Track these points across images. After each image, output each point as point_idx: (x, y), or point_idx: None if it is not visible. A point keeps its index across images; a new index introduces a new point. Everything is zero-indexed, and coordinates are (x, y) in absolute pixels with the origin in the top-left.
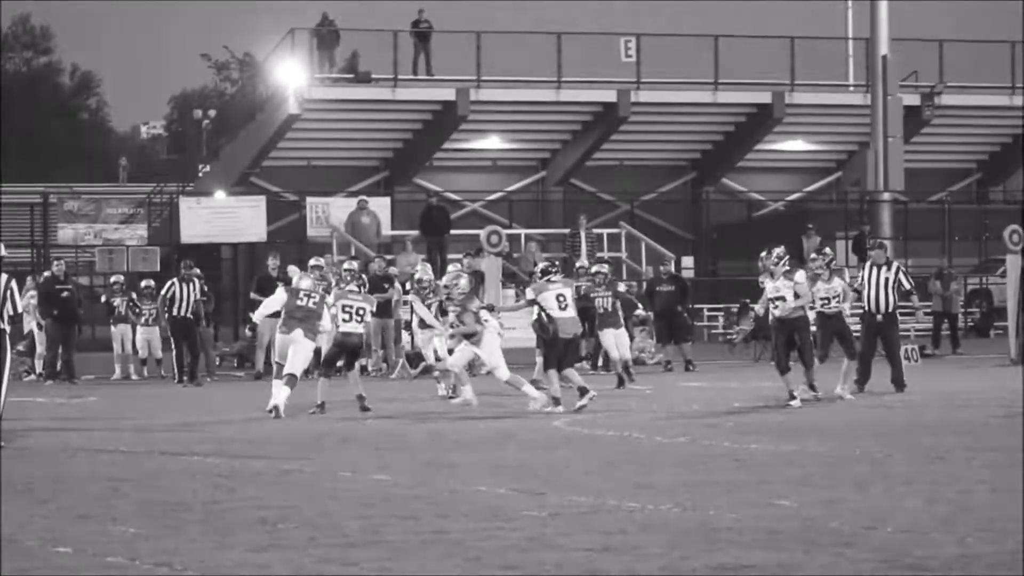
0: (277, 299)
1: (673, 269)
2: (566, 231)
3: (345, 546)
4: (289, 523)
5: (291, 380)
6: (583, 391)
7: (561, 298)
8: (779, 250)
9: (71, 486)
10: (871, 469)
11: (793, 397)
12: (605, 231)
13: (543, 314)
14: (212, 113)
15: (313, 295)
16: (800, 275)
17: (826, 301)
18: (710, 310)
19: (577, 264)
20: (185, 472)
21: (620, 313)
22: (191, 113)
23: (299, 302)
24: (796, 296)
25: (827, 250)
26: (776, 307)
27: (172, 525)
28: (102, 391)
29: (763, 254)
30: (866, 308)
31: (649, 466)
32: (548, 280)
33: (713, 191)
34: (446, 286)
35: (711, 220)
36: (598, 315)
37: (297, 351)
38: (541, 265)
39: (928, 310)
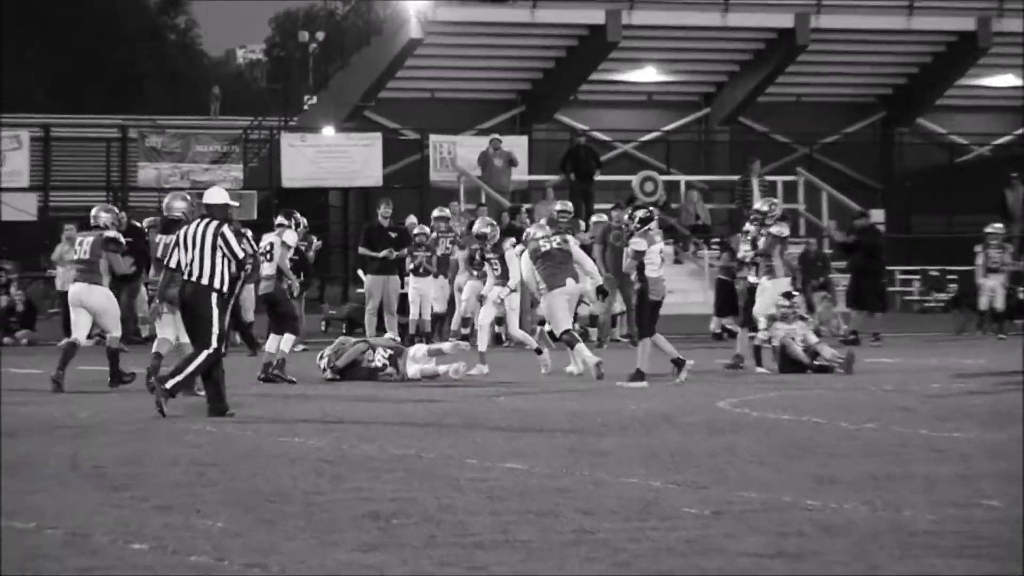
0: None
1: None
2: (733, 178)
3: (471, 547)
4: (405, 518)
5: (571, 336)
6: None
7: (662, 253)
8: None
9: (150, 471)
10: None
11: None
12: (779, 178)
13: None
14: (320, 36)
15: None
16: None
17: None
18: (903, 273)
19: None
20: (283, 456)
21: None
22: (295, 36)
23: None
24: None
25: None
26: None
27: (267, 519)
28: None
29: None
30: None
31: (831, 456)
32: (648, 231)
33: (907, 133)
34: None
35: (904, 167)
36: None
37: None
38: (640, 213)
39: None
